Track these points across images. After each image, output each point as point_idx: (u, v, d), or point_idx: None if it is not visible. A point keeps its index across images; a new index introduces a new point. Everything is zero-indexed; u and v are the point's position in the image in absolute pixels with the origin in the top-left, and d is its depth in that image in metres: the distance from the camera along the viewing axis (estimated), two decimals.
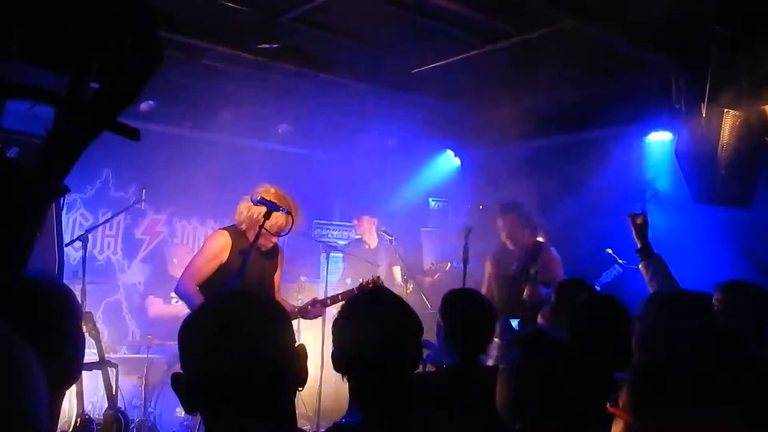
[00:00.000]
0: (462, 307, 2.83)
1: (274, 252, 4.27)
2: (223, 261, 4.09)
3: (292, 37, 5.22)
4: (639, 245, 3.80)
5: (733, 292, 2.85)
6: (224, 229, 4.23)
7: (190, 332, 1.37)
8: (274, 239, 4.15)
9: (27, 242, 1.75)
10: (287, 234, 4.08)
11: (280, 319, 1.41)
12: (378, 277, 4.95)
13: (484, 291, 5.08)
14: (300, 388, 1.39)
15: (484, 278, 5.29)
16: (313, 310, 4.37)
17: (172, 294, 5.23)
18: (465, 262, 4.85)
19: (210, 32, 5.08)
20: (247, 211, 4.03)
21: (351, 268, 6.57)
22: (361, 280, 4.52)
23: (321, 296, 5.00)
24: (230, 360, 1.30)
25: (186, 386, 1.34)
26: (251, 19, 4.97)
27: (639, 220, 3.83)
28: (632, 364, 1.64)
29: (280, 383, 1.35)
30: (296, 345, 1.41)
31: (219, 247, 4.11)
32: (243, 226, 4.10)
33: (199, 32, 5.04)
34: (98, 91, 1.65)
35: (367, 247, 6.46)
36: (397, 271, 6.48)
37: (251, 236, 3.95)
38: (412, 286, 6.23)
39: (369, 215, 6.58)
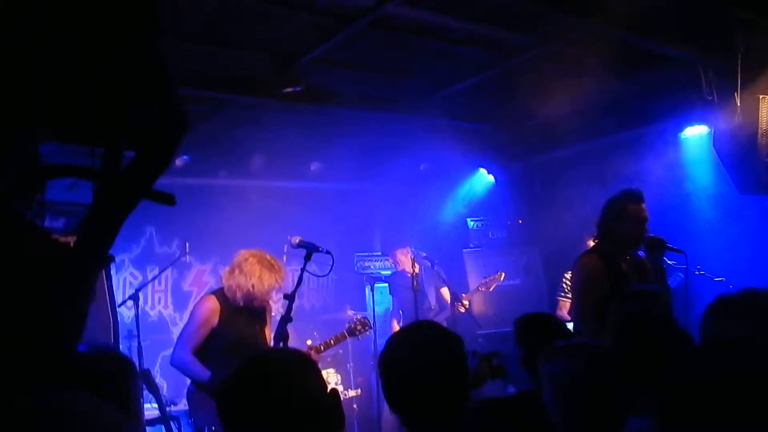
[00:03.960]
0: (541, 333, 2.75)
1: (262, 309, 4.29)
2: (214, 325, 4.13)
3: (313, 77, 5.29)
4: None
5: None
6: (211, 294, 4.28)
7: (229, 396, 1.49)
8: (266, 300, 4.21)
9: (80, 316, 1.78)
10: (276, 290, 4.14)
11: (311, 369, 1.53)
12: (365, 317, 5.15)
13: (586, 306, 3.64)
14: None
15: (586, 294, 3.67)
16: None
17: None
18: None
19: (233, 83, 5.19)
20: (229, 278, 4.12)
21: (398, 299, 6.68)
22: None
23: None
24: (271, 414, 1.43)
25: None
26: (271, 66, 5.08)
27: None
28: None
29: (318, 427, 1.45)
30: (328, 389, 1.51)
31: (208, 312, 4.14)
32: (228, 292, 4.14)
33: (223, 85, 5.16)
34: (133, 162, 1.69)
35: (408, 275, 6.49)
36: (445, 291, 6.53)
37: (239, 299, 4.08)
38: (463, 308, 6.26)
39: (399, 248, 6.73)
